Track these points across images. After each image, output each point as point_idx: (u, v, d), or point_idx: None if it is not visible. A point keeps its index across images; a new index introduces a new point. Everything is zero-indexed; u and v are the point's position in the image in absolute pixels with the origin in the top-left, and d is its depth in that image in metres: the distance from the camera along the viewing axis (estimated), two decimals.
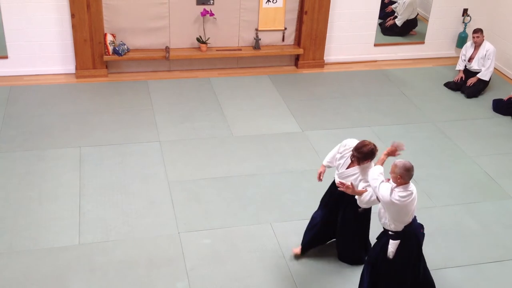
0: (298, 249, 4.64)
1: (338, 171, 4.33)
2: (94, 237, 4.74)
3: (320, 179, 4.51)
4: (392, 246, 3.96)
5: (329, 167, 4.48)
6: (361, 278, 4.23)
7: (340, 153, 4.33)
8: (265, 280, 4.42)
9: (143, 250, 4.64)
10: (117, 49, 7.25)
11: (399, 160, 3.87)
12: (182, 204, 5.19)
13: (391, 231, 3.94)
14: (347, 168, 4.27)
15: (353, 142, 4.26)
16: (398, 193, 3.78)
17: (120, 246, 4.67)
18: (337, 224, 4.53)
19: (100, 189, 5.32)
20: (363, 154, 4.10)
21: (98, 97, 6.93)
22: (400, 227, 3.92)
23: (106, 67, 7.42)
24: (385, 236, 4.02)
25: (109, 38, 7.26)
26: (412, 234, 3.97)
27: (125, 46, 7.35)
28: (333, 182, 4.43)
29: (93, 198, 5.20)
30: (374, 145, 4.13)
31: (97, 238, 4.74)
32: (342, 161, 4.30)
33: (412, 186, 3.85)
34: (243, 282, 4.39)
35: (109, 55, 7.28)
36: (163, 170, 5.63)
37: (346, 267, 4.58)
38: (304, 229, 4.62)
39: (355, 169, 4.22)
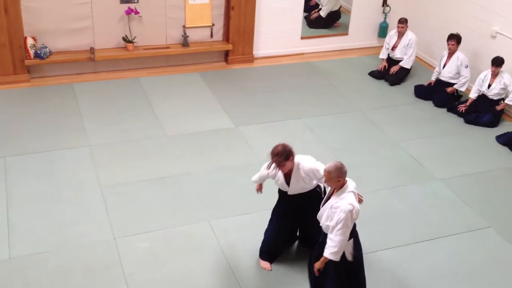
0: (268, 265, 4.54)
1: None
2: (25, 249, 4.56)
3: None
4: (349, 247, 3.93)
5: None
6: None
7: None
8: (206, 278, 4.43)
9: (79, 258, 4.52)
10: (38, 52, 6.97)
11: (327, 165, 3.84)
12: (116, 209, 5.08)
13: None
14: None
15: None
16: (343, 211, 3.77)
17: (54, 256, 4.52)
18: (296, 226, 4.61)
19: (28, 199, 5.11)
20: (279, 154, 4.04)
21: (21, 104, 6.64)
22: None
23: (28, 72, 7.12)
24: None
25: (30, 41, 6.97)
26: (354, 226, 3.97)
27: (47, 49, 7.08)
28: (284, 195, 4.39)
29: (21, 209, 4.99)
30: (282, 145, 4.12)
31: (29, 250, 4.56)
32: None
33: (348, 185, 3.88)
34: (185, 283, 4.37)
35: (31, 59, 6.99)
36: (95, 175, 5.49)
37: (286, 261, 4.64)
38: (242, 225, 4.61)
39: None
